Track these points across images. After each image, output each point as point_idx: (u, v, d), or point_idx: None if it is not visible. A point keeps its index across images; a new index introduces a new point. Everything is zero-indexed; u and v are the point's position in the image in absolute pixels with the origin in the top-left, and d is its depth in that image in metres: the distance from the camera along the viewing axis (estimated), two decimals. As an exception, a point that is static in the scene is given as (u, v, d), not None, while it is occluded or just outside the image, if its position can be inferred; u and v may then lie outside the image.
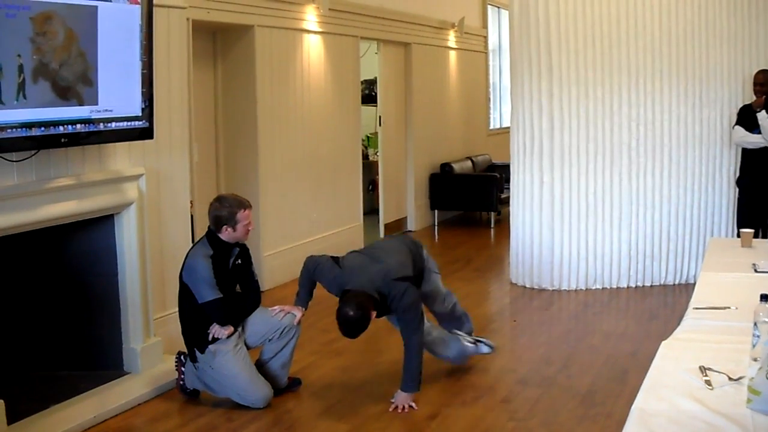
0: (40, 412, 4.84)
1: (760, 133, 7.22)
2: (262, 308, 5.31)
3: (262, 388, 5.10)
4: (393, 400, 5.10)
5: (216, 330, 5.02)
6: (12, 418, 4.58)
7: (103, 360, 5.58)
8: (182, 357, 5.26)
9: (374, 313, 4.93)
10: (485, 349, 5.80)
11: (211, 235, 5.07)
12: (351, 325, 4.86)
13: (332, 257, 5.26)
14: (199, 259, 4.99)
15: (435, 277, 5.60)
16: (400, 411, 5.02)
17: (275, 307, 5.32)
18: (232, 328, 5.07)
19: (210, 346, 5.02)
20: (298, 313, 5.28)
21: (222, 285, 5.01)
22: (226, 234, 5.04)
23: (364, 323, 4.89)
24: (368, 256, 5.25)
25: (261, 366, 5.28)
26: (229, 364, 5.02)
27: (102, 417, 4.92)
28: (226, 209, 5.02)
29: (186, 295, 5.06)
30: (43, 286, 5.58)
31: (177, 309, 5.20)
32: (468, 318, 5.90)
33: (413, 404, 5.08)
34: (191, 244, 5.46)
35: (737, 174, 7.81)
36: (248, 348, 5.22)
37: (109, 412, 4.99)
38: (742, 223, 7.22)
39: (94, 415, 4.89)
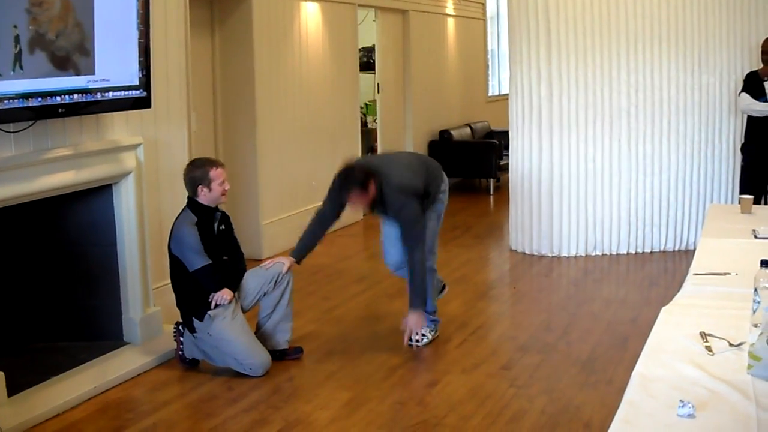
0: (40, 383, 4.84)
1: (766, 101, 7.16)
2: (250, 269, 5.36)
3: (260, 354, 5.11)
4: (402, 328, 5.29)
5: (218, 297, 5.02)
6: (12, 389, 4.58)
7: (102, 330, 5.59)
8: (180, 327, 5.26)
9: (373, 186, 5.10)
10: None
11: (192, 202, 5.09)
12: (345, 172, 5.18)
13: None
14: (184, 227, 5.01)
15: (433, 221, 5.56)
16: (408, 336, 5.22)
17: (264, 263, 5.38)
18: (231, 293, 5.08)
19: (209, 312, 5.03)
20: (286, 261, 5.33)
21: (210, 251, 5.03)
22: (202, 196, 5.04)
23: (359, 178, 5.13)
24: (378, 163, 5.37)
25: (260, 327, 5.32)
26: (227, 328, 5.03)
27: (102, 387, 4.92)
28: (198, 170, 5.05)
29: (177, 266, 5.06)
30: (42, 257, 5.58)
31: (175, 279, 5.21)
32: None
33: (426, 333, 5.30)
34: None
35: (738, 140, 7.78)
36: (245, 310, 5.24)
37: (109, 383, 4.99)
38: (744, 189, 7.18)
39: (94, 385, 4.90)
